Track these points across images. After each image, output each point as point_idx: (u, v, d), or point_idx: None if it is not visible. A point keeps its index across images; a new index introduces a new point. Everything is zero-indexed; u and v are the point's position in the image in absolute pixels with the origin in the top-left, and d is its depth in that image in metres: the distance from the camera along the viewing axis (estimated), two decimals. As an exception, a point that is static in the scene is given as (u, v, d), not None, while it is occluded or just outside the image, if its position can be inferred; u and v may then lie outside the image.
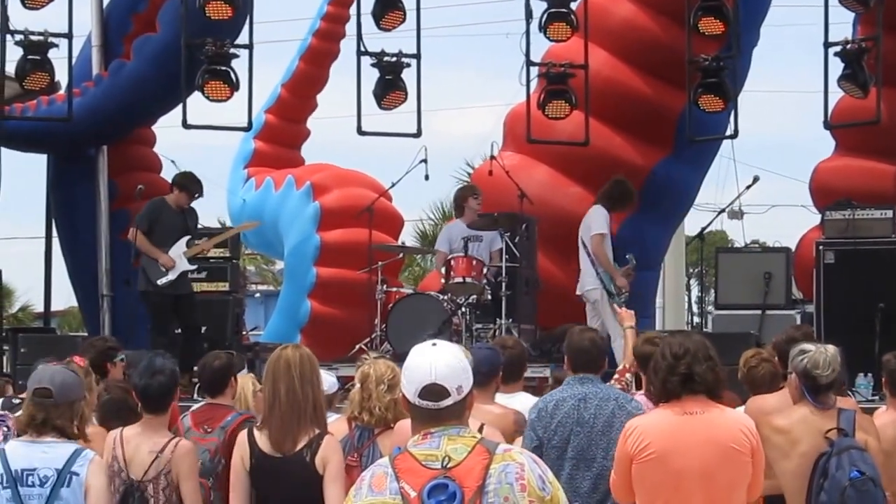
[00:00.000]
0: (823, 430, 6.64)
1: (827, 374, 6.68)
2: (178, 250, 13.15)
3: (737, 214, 19.85)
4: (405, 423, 5.35)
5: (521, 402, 7.86)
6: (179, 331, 13.35)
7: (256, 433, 6.40)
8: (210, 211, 37.14)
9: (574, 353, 7.42)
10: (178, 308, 13.23)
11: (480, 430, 4.18)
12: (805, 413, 6.70)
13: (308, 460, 6.28)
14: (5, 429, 7.27)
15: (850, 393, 10.74)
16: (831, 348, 6.77)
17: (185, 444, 6.95)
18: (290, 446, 6.29)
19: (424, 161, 14.74)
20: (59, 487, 5.96)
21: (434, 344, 4.42)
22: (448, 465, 4.27)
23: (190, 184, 13.33)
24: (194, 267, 13.48)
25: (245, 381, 8.16)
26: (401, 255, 17.03)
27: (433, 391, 4.34)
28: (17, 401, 8.14)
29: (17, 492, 5.95)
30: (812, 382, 6.68)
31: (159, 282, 13.09)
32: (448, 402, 4.35)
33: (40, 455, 6.02)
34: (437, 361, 4.35)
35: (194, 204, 13.49)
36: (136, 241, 13.22)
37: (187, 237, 13.24)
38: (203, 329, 13.87)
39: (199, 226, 14.07)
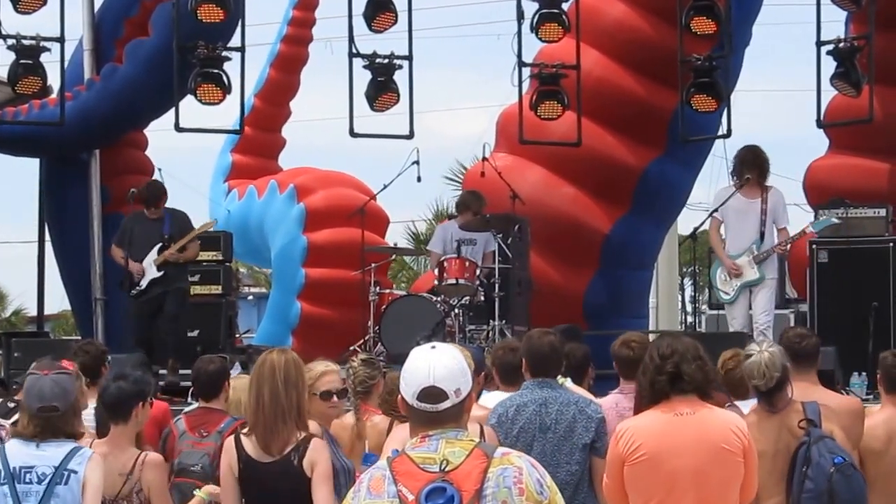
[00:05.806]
0: (784, 428, 6.65)
1: (763, 383, 6.65)
2: (150, 258, 13.42)
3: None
4: (402, 428, 5.33)
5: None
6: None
7: (243, 439, 6.34)
8: (202, 218, 37.06)
9: (532, 357, 7.36)
10: (161, 303, 13.46)
11: (482, 433, 4.15)
12: (760, 415, 6.71)
13: (296, 464, 6.24)
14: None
15: (844, 392, 10.75)
16: (766, 354, 6.69)
17: (153, 457, 6.76)
18: (276, 450, 6.24)
19: (416, 163, 14.74)
20: (55, 484, 5.97)
21: (433, 347, 4.41)
22: (446, 469, 4.26)
23: (145, 193, 13.71)
24: (160, 274, 13.47)
25: (243, 383, 8.10)
26: (392, 256, 17.01)
27: (431, 394, 4.32)
28: (13, 404, 8.12)
29: (15, 488, 5.97)
30: (755, 388, 6.68)
31: (132, 292, 13.47)
32: (446, 404, 4.33)
33: (39, 453, 6.04)
34: (436, 364, 4.34)
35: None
36: (112, 255, 13.74)
37: (159, 245, 13.41)
38: (197, 332, 13.89)
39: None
